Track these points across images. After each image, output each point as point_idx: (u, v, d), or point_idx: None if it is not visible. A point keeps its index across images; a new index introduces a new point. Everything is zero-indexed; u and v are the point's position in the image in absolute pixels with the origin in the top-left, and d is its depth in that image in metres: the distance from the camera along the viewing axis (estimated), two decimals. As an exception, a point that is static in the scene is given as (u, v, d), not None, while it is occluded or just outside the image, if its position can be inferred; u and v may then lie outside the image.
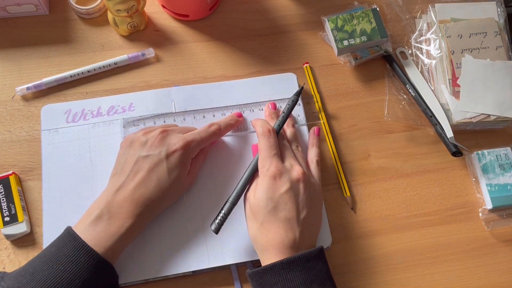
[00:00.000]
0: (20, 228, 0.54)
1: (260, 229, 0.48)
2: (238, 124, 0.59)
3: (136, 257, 0.53)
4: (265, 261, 0.48)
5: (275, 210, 0.48)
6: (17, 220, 0.54)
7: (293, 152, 0.54)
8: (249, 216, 0.50)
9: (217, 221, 0.50)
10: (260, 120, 0.55)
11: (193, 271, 0.53)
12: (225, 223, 0.50)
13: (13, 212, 0.54)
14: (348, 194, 0.59)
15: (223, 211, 0.50)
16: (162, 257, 0.53)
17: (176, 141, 0.51)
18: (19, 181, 0.57)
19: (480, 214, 0.60)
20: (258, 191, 0.49)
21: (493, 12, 0.67)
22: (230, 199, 0.51)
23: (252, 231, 0.49)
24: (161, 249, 0.53)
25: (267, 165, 0.50)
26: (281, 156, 0.52)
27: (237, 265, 0.55)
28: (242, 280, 0.54)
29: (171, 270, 0.52)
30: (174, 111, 0.60)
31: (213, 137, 0.55)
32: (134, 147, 0.51)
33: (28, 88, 0.60)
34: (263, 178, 0.49)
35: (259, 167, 0.51)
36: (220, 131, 0.56)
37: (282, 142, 0.54)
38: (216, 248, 0.54)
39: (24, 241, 0.54)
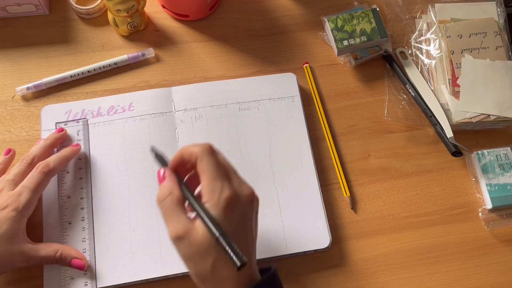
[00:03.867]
0: (20, 228, 0.53)
1: (213, 268, 0.40)
2: (74, 154, 0.55)
3: (136, 257, 0.53)
4: None
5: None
6: (17, 220, 0.53)
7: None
8: (194, 254, 0.40)
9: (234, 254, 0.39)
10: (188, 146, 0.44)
11: (193, 271, 0.53)
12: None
13: (13, 212, 0.54)
14: (348, 194, 0.59)
15: (228, 247, 0.39)
16: (162, 257, 0.53)
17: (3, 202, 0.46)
18: (19, 181, 0.57)
19: (480, 214, 0.60)
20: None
21: (493, 12, 0.67)
22: (217, 233, 0.39)
23: (200, 270, 0.41)
24: (161, 249, 0.53)
25: (219, 189, 0.41)
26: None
27: (237, 265, 0.55)
28: (242, 280, 0.54)
29: (171, 270, 0.52)
30: (174, 111, 0.60)
31: (45, 180, 0.50)
32: None
33: (28, 88, 0.60)
34: (216, 206, 0.40)
35: (207, 190, 0.41)
36: (50, 169, 0.51)
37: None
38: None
39: (24, 241, 0.54)
